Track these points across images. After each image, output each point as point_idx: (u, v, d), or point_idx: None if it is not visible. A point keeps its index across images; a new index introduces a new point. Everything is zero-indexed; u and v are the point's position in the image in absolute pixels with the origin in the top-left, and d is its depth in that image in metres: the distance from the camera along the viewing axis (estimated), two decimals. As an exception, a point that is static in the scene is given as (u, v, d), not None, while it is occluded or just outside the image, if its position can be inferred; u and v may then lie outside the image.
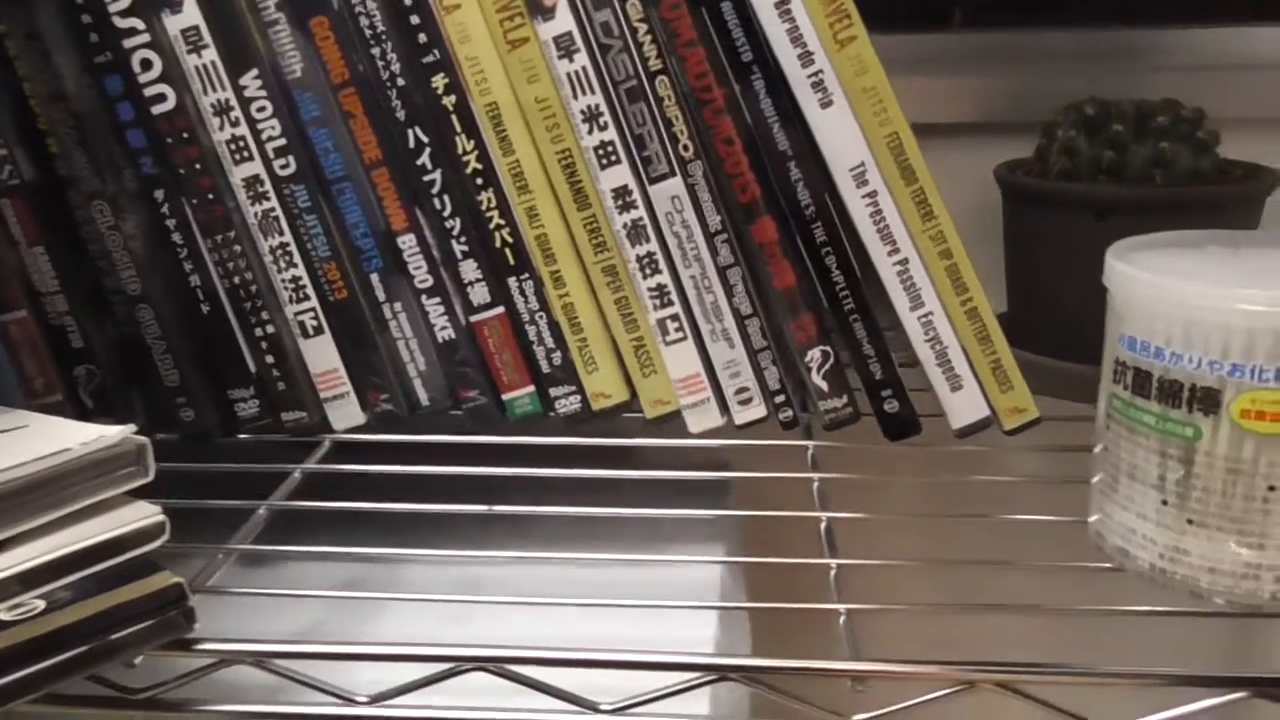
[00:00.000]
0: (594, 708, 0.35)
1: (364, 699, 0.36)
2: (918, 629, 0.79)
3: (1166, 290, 0.36)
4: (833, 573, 0.41)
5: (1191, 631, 0.74)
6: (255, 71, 0.51)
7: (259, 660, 0.37)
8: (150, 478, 0.39)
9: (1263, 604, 0.37)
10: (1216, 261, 0.40)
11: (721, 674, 0.35)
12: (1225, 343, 0.35)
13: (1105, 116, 0.55)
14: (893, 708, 0.35)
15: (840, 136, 0.49)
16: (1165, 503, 0.38)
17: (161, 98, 0.51)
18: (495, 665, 0.35)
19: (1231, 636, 0.78)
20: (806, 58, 0.48)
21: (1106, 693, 0.36)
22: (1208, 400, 0.36)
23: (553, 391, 0.55)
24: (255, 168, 0.52)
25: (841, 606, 0.39)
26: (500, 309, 0.54)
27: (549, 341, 0.54)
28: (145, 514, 0.38)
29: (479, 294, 0.53)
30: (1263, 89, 0.67)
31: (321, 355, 0.54)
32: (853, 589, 0.42)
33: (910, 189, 0.50)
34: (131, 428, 0.39)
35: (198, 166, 0.52)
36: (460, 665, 0.36)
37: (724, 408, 0.54)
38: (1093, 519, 0.43)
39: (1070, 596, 0.45)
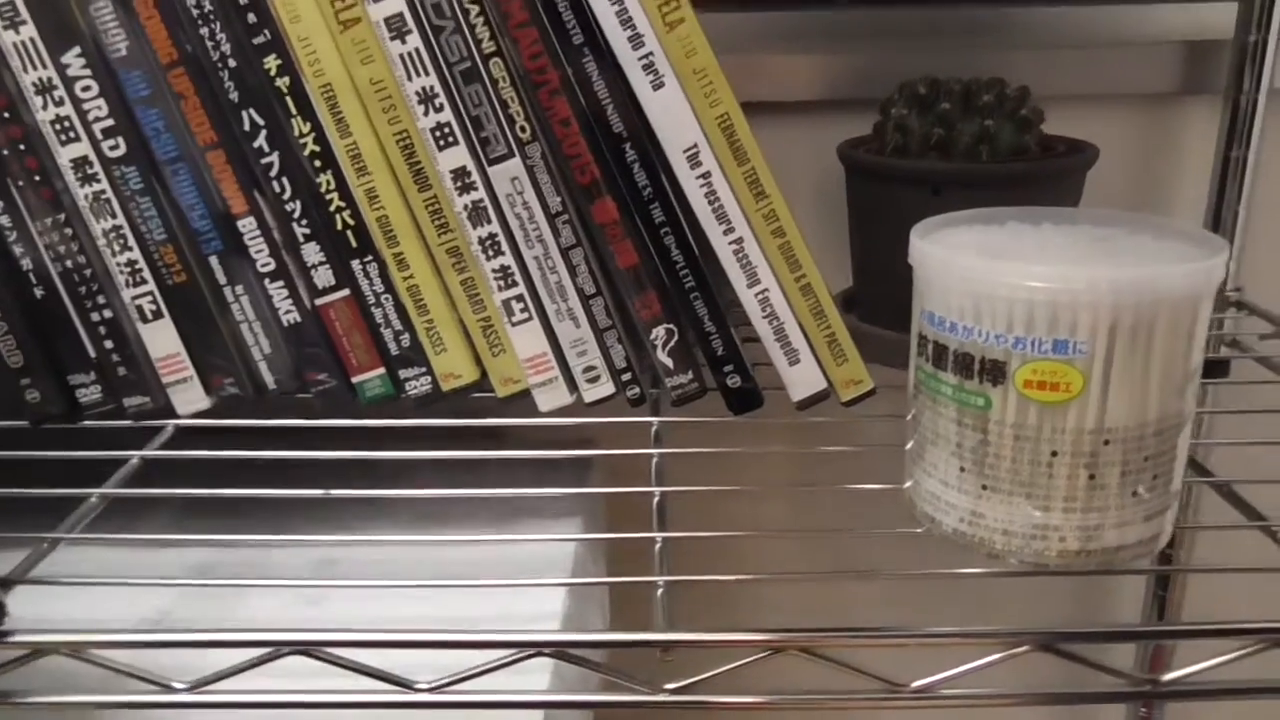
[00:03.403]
0: (411, 686, 0.36)
1: (182, 685, 0.36)
2: (753, 602, 0.81)
3: (957, 267, 0.38)
4: (657, 546, 0.43)
5: (992, 589, 0.78)
6: (78, 49, 0.50)
7: (74, 650, 0.36)
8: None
9: (1050, 562, 0.40)
10: (1013, 238, 0.42)
11: (536, 650, 0.36)
12: (1009, 316, 0.37)
13: (935, 95, 0.57)
14: (701, 676, 0.36)
15: (673, 118, 0.50)
16: (963, 469, 0.40)
17: (-22, 77, 0.50)
18: (314, 649, 0.36)
19: (1027, 593, 0.82)
20: (636, 40, 0.49)
21: (907, 652, 0.38)
22: (995, 371, 0.38)
23: (402, 373, 0.55)
24: (83, 148, 0.51)
25: (660, 579, 0.40)
26: (346, 291, 0.53)
27: (396, 324, 0.54)
28: (-47, 508, 0.37)
29: (323, 276, 0.53)
30: (1089, 66, 0.70)
31: (162, 339, 0.54)
32: (685, 563, 0.43)
33: (743, 169, 0.51)
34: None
35: (21, 147, 0.51)
36: (279, 650, 0.36)
37: (573, 386, 0.55)
38: (907, 485, 0.45)
39: (889, 560, 0.48)
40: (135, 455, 0.51)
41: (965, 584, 0.72)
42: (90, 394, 0.55)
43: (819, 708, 0.37)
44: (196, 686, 0.36)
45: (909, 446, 0.44)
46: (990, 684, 0.37)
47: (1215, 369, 0.64)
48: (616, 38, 0.49)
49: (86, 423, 0.55)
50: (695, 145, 0.50)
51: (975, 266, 0.38)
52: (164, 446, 0.53)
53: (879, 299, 0.63)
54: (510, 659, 0.36)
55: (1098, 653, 0.37)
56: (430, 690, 0.36)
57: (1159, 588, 0.73)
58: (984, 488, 0.40)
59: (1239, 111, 0.65)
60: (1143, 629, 0.75)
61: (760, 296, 0.53)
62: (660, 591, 0.39)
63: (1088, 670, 0.38)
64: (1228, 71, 0.65)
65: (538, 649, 0.36)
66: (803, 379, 0.54)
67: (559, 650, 0.36)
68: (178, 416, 0.55)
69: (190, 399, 0.54)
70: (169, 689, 0.36)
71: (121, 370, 0.54)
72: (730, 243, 0.52)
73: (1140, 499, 0.39)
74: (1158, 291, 0.36)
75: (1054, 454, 0.38)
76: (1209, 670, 0.37)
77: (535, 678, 0.45)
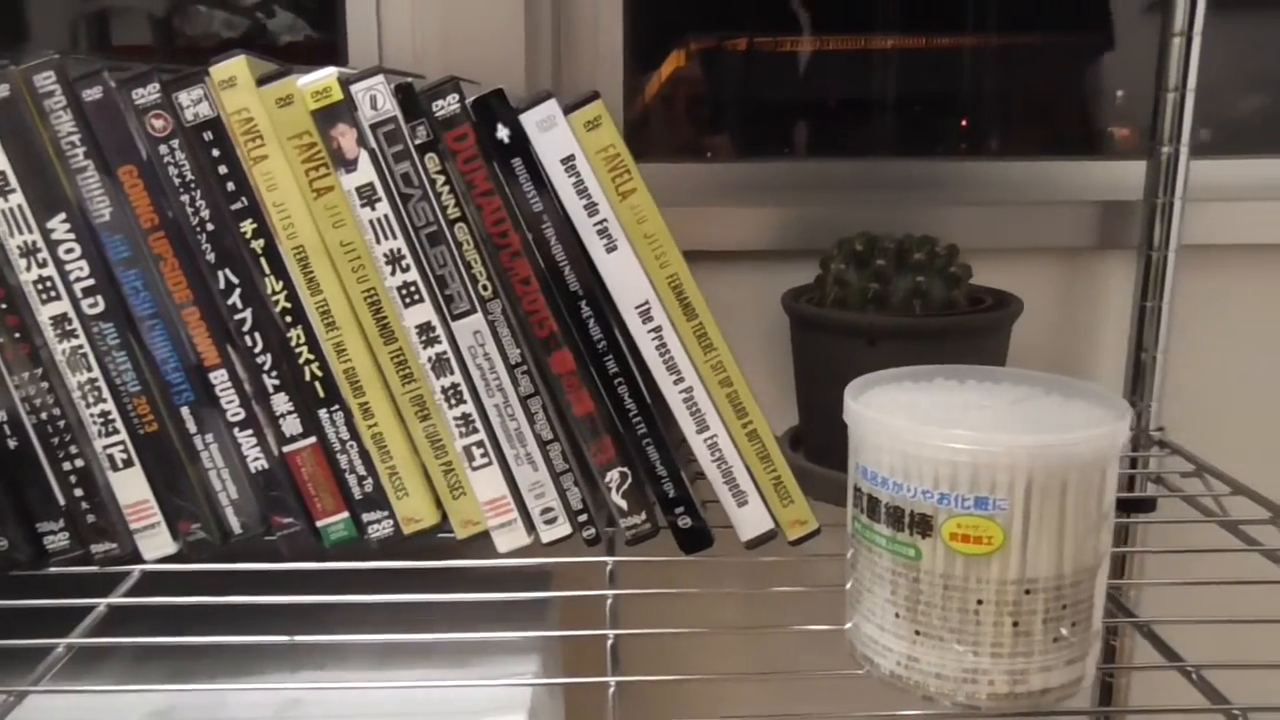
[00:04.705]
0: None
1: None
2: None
3: (887, 427, 0.41)
4: (611, 690, 0.44)
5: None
6: (63, 215, 0.53)
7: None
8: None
9: (981, 705, 0.42)
10: (939, 397, 0.46)
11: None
12: (935, 474, 0.40)
13: (871, 251, 0.62)
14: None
15: (625, 278, 0.54)
16: (898, 615, 0.43)
17: (-34, 241, 0.52)
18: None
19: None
20: (592, 208, 0.53)
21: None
22: (924, 525, 0.41)
23: (365, 517, 0.57)
24: (63, 306, 0.53)
25: (613, 725, 0.41)
26: (312, 439, 0.56)
27: (360, 469, 0.56)
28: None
29: (291, 425, 0.55)
30: (1013, 221, 0.75)
31: (131, 487, 0.55)
32: (638, 704, 0.45)
33: (692, 324, 0.54)
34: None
35: (3, 306, 0.53)
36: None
37: (530, 527, 0.57)
38: (847, 626, 0.47)
39: (836, 697, 0.50)
40: (102, 603, 0.52)
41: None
42: (58, 541, 0.56)
43: None
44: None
45: (848, 587, 0.46)
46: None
47: (1143, 505, 0.68)
48: (573, 206, 0.53)
49: (52, 569, 0.56)
50: (647, 302, 0.54)
51: (904, 428, 0.41)
52: (130, 591, 0.54)
53: (823, 439, 0.66)
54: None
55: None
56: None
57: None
58: (917, 633, 0.42)
59: (1151, 265, 0.70)
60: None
61: (709, 442, 0.55)
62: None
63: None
64: (1140, 229, 0.70)
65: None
66: (750, 520, 0.56)
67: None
68: (144, 562, 0.56)
69: (157, 545, 0.56)
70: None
71: (90, 517, 0.55)
72: (680, 391, 0.55)
73: (1062, 643, 0.42)
74: (1068, 456, 0.39)
75: (980, 602, 0.41)
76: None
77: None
